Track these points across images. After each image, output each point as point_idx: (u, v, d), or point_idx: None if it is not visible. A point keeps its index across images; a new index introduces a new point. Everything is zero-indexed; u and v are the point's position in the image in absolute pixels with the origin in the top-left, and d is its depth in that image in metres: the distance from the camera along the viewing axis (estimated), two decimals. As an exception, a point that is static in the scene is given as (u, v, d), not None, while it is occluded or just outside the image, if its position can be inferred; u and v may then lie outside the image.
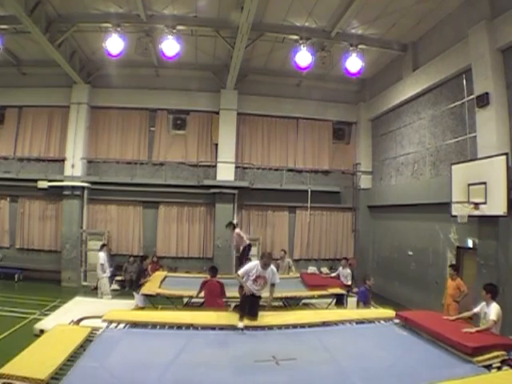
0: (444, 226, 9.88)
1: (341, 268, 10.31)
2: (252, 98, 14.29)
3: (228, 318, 5.71)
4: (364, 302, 8.43)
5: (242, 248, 9.90)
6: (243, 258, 9.74)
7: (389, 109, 13.09)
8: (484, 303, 5.11)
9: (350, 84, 14.60)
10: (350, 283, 9.94)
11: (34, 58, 13.07)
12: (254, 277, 5.59)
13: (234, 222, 10.94)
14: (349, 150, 15.22)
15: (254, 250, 13.23)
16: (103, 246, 11.22)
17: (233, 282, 9.23)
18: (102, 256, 10.62)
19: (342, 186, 14.61)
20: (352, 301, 9.47)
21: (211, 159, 14.26)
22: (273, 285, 5.84)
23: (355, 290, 10.99)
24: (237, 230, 10.15)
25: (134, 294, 8.75)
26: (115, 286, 12.61)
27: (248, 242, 9.91)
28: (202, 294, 7.64)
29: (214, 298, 7.38)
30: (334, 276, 10.38)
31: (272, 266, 5.77)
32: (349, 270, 10.14)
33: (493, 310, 4.84)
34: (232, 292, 7.93)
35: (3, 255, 13.83)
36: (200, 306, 8.33)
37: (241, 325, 5.27)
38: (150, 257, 12.67)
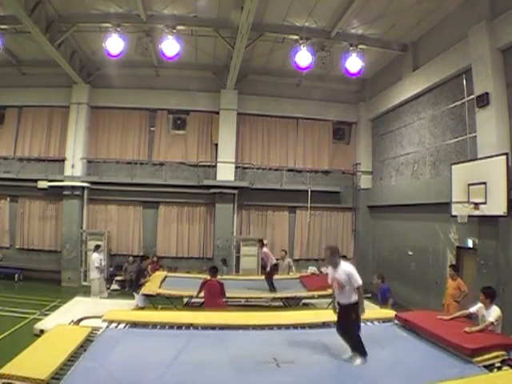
0: (444, 226, 9.88)
1: None
2: (252, 98, 14.29)
3: (228, 318, 5.72)
4: (384, 300, 8.33)
5: (269, 266, 9.98)
6: (270, 276, 9.72)
7: (389, 109, 13.09)
8: (481, 304, 5.07)
9: (350, 84, 14.59)
10: None
11: (34, 57, 13.05)
12: (330, 281, 4.78)
13: (265, 241, 11.36)
14: (349, 150, 15.21)
15: (253, 251, 13.31)
16: (98, 246, 11.10)
17: (233, 284, 9.27)
18: (96, 257, 10.53)
19: (342, 186, 14.60)
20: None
21: (211, 159, 14.26)
22: (358, 288, 4.55)
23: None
24: (264, 249, 10.35)
25: (134, 294, 8.76)
26: (115, 286, 12.63)
27: (275, 261, 10.03)
28: (202, 294, 7.65)
29: (213, 298, 7.38)
30: None
31: (344, 265, 4.69)
32: None
33: (493, 314, 4.81)
34: (232, 293, 7.94)
35: (3, 255, 13.82)
36: (200, 306, 8.33)
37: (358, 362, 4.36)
38: (151, 257, 12.70)
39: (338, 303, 4.73)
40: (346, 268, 4.64)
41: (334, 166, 14.94)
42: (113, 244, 13.84)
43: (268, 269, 9.92)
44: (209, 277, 7.76)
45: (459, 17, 9.48)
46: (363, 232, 14.53)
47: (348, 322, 4.58)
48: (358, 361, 4.37)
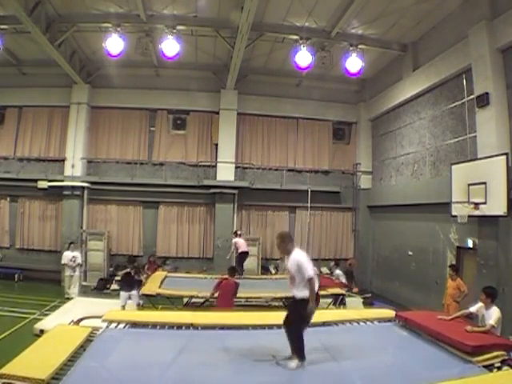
0: (444, 226, 9.88)
1: (338, 270, 10.57)
2: (252, 98, 14.28)
3: (228, 318, 5.72)
4: None
5: (236, 252, 11.17)
6: (237, 263, 10.71)
7: (389, 109, 13.09)
8: (481, 304, 5.08)
9: (350, 84, 14.59)
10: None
11: (34, 57, 13.05)
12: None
13: (239, 232, 12.23)
14: (349, 150, 15.21)
15: (254, 251, 13.30)
16: (71, 244, 11.01)
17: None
18: (67, 255, 10.42)
19: (342, 186, 14.60)
20: (351, 300, 9.50)
21: (211, 159, 14.26)
22: (309, 280, 4.12)
23: (355, 289, 11.11)
24: (235, 239, 11.35)
25: (121, 292, 8.66)
26: (115, 286, 12.61)
27: (241, 250, 11.06)
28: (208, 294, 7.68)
29: (227, 297, 7.40)
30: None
31: (296, 253, 4.31)
32: (338, 271, 10.38)
33: (493, 315, 4.80)
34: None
35: (3, 255, 13.82)
36: (200, 306, 8.33)
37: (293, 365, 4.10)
38: (147, 257, 12.85)
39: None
40: (296, 256, 4.25)
41: (334, 166, 14.93)
42: (113, 244, 13.83)
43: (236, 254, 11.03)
44: (227, 276, 7.77)
45: (459, 17, 9.48)
46: (363, 232, 14.52)
47: (293, 318, 4.27)
48: (293, 364, 4.09)
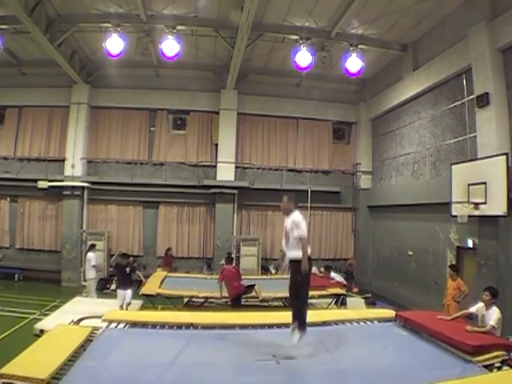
0: (444, 226, 9.88)
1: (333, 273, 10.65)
2: (252, 98, 14.28)
3: (228, 317, 5.72)
4: None
5: None
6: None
7: (389, 109, 13.08)
8: (481, 304, 5.09)
9: (350, 84, 14.58)
10: None
11: (34, 57, 13.05)
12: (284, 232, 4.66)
13: (233, 255, 11.86)
14: (349, 150, 15.21)
15: (253, 251, 13.32)
16: (93, 246, 11.08)
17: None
18: (92, 256, 10.51)
19: (342, 186, 14.60)
20: (352, 301, 9.50)
21: (211, 159, 14.25)
22: (300, 239, 4.35)
23: (355, 290, 11.12)
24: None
25: (118, 291, 8.66)
26: (115, 286, 12.62)
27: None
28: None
29: (234, 282, 7.62)
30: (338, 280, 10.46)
31: (296, 214, 4.55)
32: (333, 273, 10.53)
33: (494, 315, 4.81)
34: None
35: (3, 255, 13.82)
36: (200, 306, 8.33)
37: (296, 339, 4.35)
38: (165, 250, 12.88)
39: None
40: (295, 216, 4.54)
41: (334, 166, 14.93)
42: (113, 244, 13.82)
43: None
44: (224, 264, 7.94)
45: (459, 17, 9.48)
46: (363, 232, 14.52)
47: (293, 283, 4.48)
48: (296, 338, 4.32)
